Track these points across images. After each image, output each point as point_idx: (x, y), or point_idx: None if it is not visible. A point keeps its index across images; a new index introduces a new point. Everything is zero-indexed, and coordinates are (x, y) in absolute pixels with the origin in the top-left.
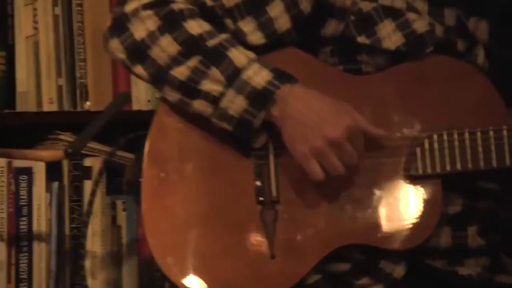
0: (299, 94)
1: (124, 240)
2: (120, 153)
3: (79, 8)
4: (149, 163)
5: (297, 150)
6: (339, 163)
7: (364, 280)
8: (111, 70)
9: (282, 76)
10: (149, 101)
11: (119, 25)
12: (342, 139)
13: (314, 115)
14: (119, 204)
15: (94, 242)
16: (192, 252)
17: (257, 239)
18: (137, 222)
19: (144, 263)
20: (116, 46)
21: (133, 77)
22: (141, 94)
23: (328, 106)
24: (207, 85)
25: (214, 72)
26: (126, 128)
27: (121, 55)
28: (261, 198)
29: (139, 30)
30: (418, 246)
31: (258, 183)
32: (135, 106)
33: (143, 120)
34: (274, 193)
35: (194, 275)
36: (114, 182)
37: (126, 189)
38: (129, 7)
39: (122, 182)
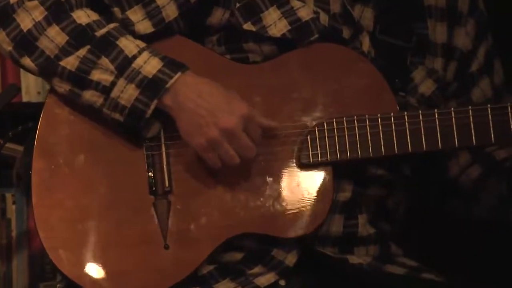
0: (191, 82)
1: (14, 233)
2: (9, 145)
3: None
4: (38, 156)
5: (193, 142)
6: (234, 153)
7: (257, 269)
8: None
9: (173, 64)
10: (39, 93)
11: (5, 17)
12: (237, 128)
13: (207, 104)
14: (9, 197)
15: None
16: (84, 245)
17: (150, 230)
18: (28, 215)
19: (35, 256)
20: (2, 38)
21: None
22: (31, 86)
23: (221, 95)
24: (98, 75)
25: (104, 61)
26: (15, 120)
27: (8, 47)
28: (153, 189)
29: (26, 21)
30: (309, 233)
31: (150, 173)
32: (25, 98)
33: (33, 112)
34: (166, 183)
35: (87, 267)
36: (3, 174)
37: (16, 182)
38: None
39: (12, 175)
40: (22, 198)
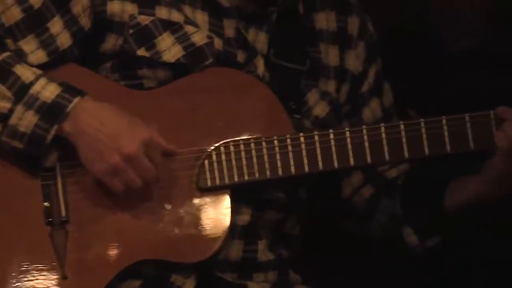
0: (91, 108)
1: None
2: None
3: None
4: None
5: (94, 168)
6: (136, 177)
7: None
8: None
9: (71, 89)
10: None
11: None
12: (139, 154)
13: (107, 130)
14: None
15: None
16: None
17: (48, 261)
18: None
19: None
20: None
21: None
22: None
23: (121, 119)
24: None
25: (1, 89)
26: None
27: None
28: (50, 219)
29: None
30: (208, 258)
31: (46, 203)
32: None
33: None
34: (63, 213)
35: None
36: None
37: None
38: None
39: None
40: None
